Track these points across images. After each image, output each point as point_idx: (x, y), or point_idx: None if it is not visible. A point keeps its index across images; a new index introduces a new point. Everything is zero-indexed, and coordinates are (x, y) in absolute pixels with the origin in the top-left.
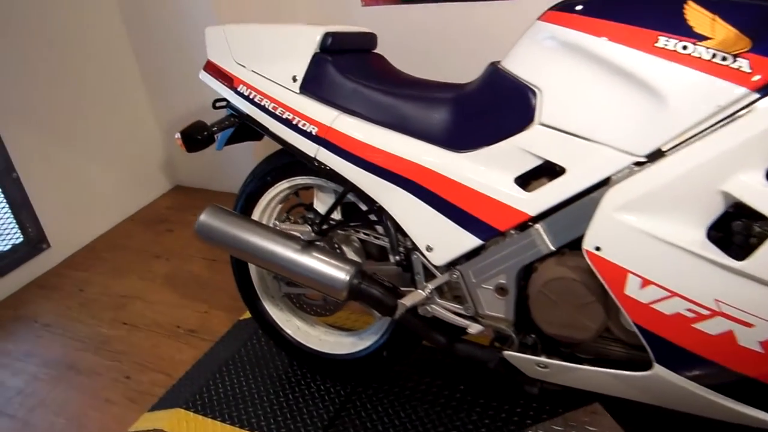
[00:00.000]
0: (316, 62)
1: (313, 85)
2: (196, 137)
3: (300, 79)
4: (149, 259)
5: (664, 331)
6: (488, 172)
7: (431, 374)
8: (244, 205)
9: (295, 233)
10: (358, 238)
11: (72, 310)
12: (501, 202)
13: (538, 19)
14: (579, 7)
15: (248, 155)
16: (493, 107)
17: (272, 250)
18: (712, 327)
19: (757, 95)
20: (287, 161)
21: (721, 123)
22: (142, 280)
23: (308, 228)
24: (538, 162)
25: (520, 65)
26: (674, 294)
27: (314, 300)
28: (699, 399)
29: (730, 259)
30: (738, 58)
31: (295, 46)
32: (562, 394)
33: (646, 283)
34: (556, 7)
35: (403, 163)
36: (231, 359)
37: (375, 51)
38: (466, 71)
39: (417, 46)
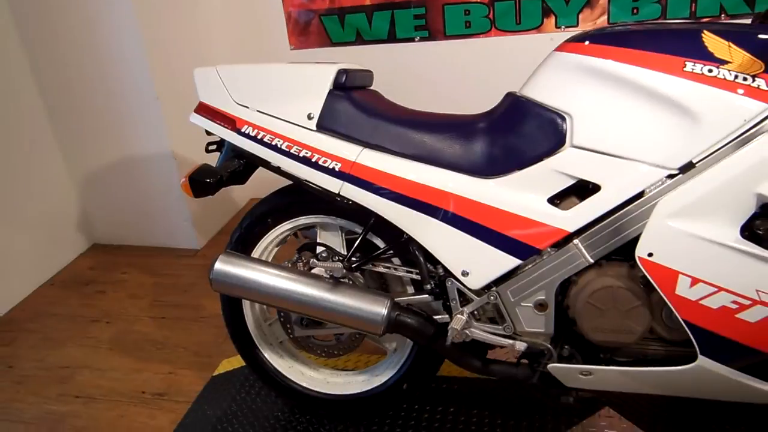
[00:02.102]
0: (332, 99)
1: (331, 121)
2: (205, 181)
3: (316, 116)
4: (85, 325)
5: (710, 324)
6: (522, 194)
7: (443, 403)
8: (240, 250)
9: (318, 273)
10: (377, 272)
11: (5, 390)
12: (538, 221)
13: (556, 50)
14: (600, 38)
15: (170, 206)
16: (522, 134)
17: (303, 293)
18: (753, 315)
19: None
20: (288, 201)
21: (747, 134)
22: (83, 347)
23: (337, 265)
24: (572, 182)
25: (545, 93)
26: (721, 289)
27: (326, 341)
28: (737, 385)
29: None
30: (756, 79)
31: (307, 84)
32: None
33: (695, 281)
34: (574, 39)
35: (434, 193)
36: (224, 416)
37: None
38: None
39: None
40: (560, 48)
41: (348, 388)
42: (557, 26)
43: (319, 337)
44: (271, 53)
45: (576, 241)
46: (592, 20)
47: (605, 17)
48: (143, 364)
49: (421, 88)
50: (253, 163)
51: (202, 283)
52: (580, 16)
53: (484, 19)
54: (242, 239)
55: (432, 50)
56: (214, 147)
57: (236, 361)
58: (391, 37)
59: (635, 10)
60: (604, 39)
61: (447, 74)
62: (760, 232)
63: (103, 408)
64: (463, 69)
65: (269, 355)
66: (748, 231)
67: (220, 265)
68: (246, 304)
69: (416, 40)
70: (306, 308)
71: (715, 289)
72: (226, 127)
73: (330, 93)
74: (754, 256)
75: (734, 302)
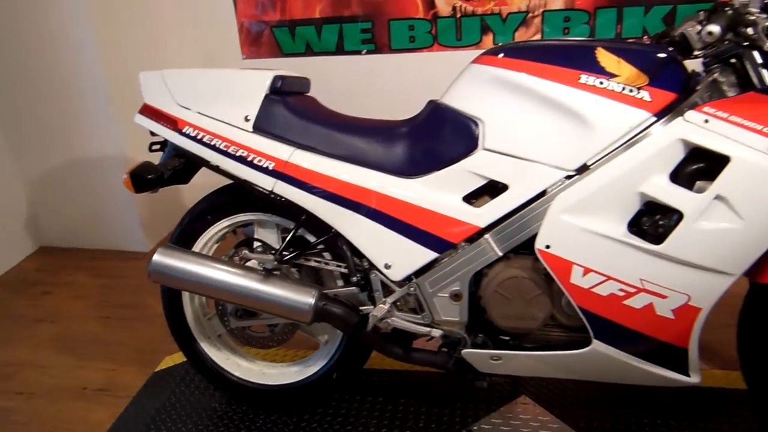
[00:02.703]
0: (268, 103)
1: (266, 124)
2: (146, 177)
3: (252, 118)
4: (30, 324)
5: (601, 310)
6: (439, 193)
7: (372, 394)
8: (181, 246)
9: (251, 265)
10: (312, 268)
11: None
12: (453, 218)
13: (473, 62)
14: (511, 52)
15: (120, 209)
16: (440, 138)
17: (236, 283)
18: (638, 302)
19: (657, 118)
20: (227, 199)
21: (633, 140)
22: (27, 347)
23: (269, 257)
24: (484, 181)
25: (461, 101)
26: (609, 278)
27: (260, 333)
28: (630, 368)
29: (651, 244)
30: (641, 90)
31: (245, 88)
32: (491, 393)
33: (587, 271)
34: (489, 52)
35: (359, 191)
36: (162, 408)
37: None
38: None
39: None
40: (476, 60)
41: (282, 378)
42: (495, 43)
43: (254, 329)
44: (223, 62)
45: (487, 236)
46: (527, 38)
47: (539, 36)
48: (86, 362)
49: (367, 99)
50: (193, 162)
51: (149, 285)
52: (516, 34)
53: (427, 35)
54: (183, 235)
55: (378, 63)
56: (158, 147)
57: (178, 358)
58: (340, 50)
59: (566, 30)
60: (514, 53)
61: (392, 86)
62: (646, 228)
63: (44, 403)
64: (407, 81)
65: (207, 348)
66: (636, 227)
67: (158, 257)
68: (185, 299)
69: (363, 53)
70: (239, 298)
71: (605, 278)
72: (169, 128)
73: (266, 97)
74: (639, 248)
75: (621, 290)
